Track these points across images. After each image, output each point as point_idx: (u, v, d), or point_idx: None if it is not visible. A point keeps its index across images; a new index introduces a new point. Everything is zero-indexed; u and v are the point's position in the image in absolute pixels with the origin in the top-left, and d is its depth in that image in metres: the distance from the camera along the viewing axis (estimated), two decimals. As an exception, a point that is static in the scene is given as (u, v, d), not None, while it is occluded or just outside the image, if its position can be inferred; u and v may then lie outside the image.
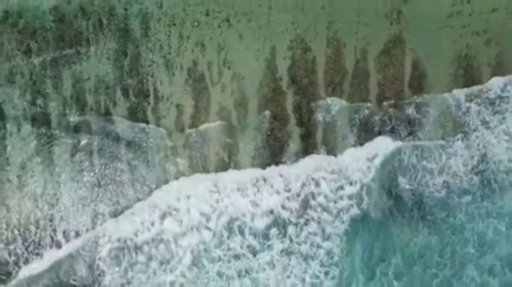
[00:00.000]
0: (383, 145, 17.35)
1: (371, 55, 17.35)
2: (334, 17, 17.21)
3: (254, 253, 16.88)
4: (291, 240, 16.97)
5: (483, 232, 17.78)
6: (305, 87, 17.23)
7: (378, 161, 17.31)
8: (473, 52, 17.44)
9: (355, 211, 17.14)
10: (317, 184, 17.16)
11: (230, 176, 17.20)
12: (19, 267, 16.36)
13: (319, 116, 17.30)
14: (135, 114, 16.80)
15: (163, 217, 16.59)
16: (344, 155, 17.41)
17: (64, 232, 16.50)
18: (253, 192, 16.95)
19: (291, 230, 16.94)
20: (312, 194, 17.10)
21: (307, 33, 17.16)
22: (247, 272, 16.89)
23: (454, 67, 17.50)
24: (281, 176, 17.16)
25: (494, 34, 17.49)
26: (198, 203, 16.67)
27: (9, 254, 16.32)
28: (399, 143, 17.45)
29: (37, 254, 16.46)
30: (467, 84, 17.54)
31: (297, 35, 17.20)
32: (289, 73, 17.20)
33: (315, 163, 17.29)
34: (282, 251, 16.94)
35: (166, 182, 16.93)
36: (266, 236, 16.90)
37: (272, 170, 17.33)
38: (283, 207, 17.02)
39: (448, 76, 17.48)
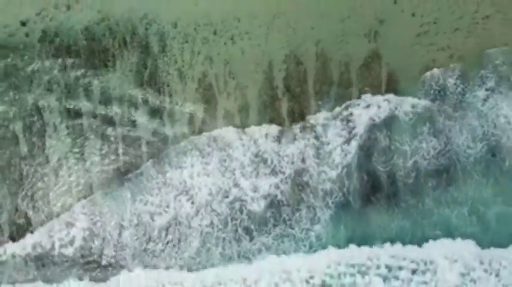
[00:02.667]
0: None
1: (353, 68, 19.71)
2: (321, 36, 19.59)
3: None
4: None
5: (448, 216, 19.80)
6: (298, 95, 19.67)
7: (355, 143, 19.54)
8: (438, 65, 19.86)
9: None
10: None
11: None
12: (54, 249, 19.08)
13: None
14: (153, 118, 19.32)
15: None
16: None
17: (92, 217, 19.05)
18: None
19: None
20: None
21: (299, 49, 19.58)
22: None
23: (422, 79, 19.79)
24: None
25: (456, 50, 19.88)
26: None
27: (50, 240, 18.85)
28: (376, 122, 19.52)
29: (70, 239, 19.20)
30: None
31: (291, 51, 19.62)
32: (284, 83, 19.61)
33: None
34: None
35: (181, 176, 19.29)
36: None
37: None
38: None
39: (417, 84, 19.93)
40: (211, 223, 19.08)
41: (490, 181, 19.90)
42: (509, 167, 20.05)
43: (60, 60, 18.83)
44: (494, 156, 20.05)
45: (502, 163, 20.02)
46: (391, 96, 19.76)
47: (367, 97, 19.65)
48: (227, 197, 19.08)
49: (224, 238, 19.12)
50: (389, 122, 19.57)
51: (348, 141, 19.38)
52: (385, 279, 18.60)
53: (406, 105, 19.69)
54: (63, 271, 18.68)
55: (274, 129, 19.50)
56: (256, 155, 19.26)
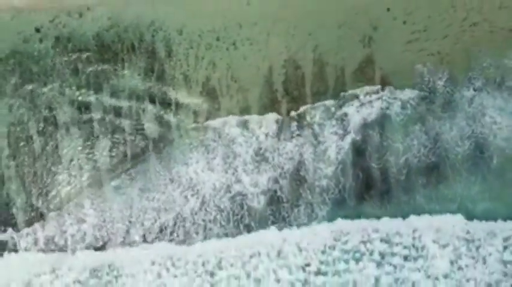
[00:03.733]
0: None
1: (348, 72, 20.82)
2: (318, 42, 20.68)
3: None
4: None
5: (439, 211, 20.60)
6: (296, 97, 20.76)
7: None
8: (428, 69, 20.92)
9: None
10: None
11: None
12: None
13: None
14: (160, 119, 20.35)
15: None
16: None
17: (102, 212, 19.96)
18: None
19: None
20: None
21: (297, 54, 20.67)
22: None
23: (413, 82, 20.96)
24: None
25: (445, 55, 21.03)
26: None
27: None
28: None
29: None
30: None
31: (290, 56, 20.69)
32: (283, 86, 20.70)
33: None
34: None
35: (187, 172, 20.24)
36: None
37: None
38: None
39: (409, 86, 20.98)
40: (215, 218, 20.14)
41: (478, 178, 20.88)
42: (497, 165, 21.09)
43: (72, 64, 19.87)
44: (482, 154, 21.10)
45: (489, 160, 21.07)
46: (383, 97, 20.87)
47: (361, 98, 20.80)
48: (229, 192, 20.16)
49: (227, 234, 20.17)
50: (382, 121, 20.70)
51: (342, 139, 20.47)
52: (378, 265, 19.75)
53: (398, 105, 20.83)
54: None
55: (273, 117, 20.55)
56: (257, 153, 20.33)
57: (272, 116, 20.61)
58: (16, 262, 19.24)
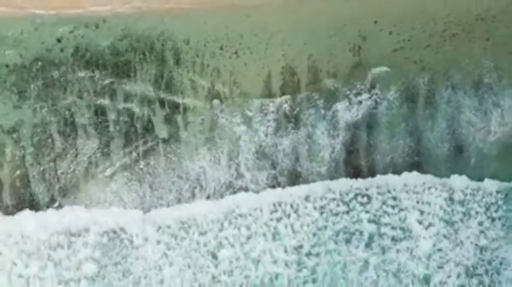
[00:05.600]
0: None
1: (339, 77, 22.47)
2: (313, 51, 22.18)
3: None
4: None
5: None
6: (292, 101, 22.31)
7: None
8: (411, 75, 22.76)
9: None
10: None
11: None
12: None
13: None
14: (169, 120, 21.79)
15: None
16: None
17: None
18: None
19: None
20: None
21: (293, 62, 22.12)
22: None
23: (398, 85, 22.78)
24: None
25: (427, 63, 22.74)
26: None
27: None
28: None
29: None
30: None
31: (286, 64, 22.15)
32: (280, 90, 22.24)
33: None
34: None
35: (193, 168, 21.91)
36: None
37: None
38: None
39: (394, 90, 22.78)
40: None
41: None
42: (475, 164, 23.00)
43: (89, 71, 21.33)
44: (462, 153, 22.95)
45: (468, 160, 23.04)
46: (371, 98, 22.72)
47: (350, 99, 22.65)
48: (233, 187, 22.05)
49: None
50: (370, 122, 22.61)
51: (333, 138, 22.40)
52: (367, 245, 21.40)
53: (383, 106, 22.68)
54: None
55: (271, 118, 22.21)
56: (258, 150, 22.17)
57: (270, 117, 22.45)
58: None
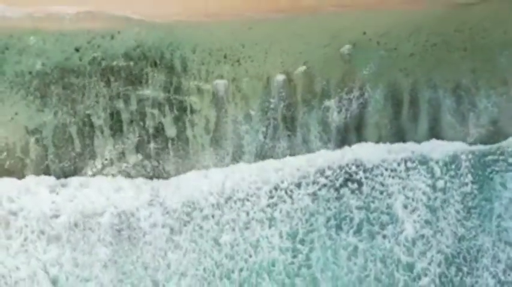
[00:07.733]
0: None
1: (333, 83, 24.32)
2: (308, 59, 23.92)
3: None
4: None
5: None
6: (289, 104, 24.13)
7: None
8: (398, 81, 24.73)
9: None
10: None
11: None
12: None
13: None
14: (177, 123, 23.64)
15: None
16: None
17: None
18: None
19: None
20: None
21: (290, 69, 23.83)
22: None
23: (385, 91, 24.79)
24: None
25: (410, 71, 24.68)
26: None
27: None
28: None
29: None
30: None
31: (284, 70, 23.83)
32: (278, 95, 23.99)
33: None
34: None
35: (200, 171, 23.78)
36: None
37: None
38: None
39: (381, 94, 24.81)
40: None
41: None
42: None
43: (105, 78, 22.86)
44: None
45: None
46: (361, 103, 24.65)
47: (341, 103, 24.57)
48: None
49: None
50: (359, 123, 24.68)
51: (326, 136, 24.28)
52: (355, 232, 23.49)
53: (371, 108, 24.62)
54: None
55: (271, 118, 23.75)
56: (258, 149, 24.16)
57: (270, 117, 24.18)
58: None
